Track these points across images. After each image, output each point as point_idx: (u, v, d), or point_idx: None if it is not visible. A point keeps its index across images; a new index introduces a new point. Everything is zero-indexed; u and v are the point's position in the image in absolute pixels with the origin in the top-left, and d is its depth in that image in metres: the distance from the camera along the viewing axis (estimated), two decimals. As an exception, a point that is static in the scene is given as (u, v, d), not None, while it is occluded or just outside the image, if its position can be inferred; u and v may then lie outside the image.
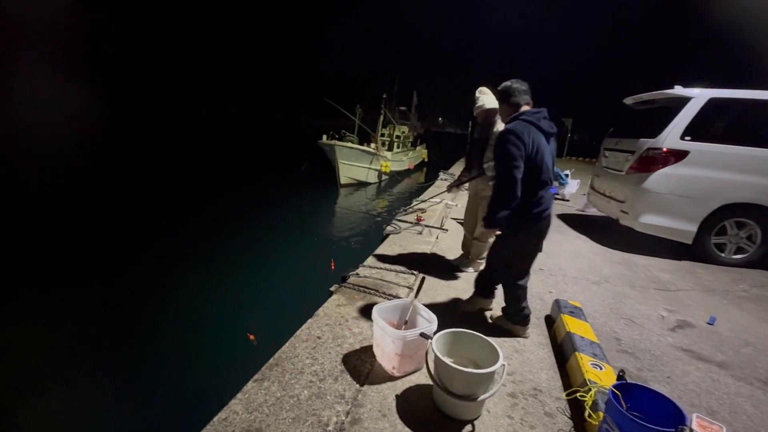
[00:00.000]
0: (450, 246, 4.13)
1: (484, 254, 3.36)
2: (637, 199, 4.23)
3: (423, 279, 2.18)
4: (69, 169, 11.30)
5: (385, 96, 13.17)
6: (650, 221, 4.15)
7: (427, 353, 1.82)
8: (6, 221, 6.32)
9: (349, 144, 11.01)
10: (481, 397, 1.57)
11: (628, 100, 5.13)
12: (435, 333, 1.81)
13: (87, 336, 3.48)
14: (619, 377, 1.46)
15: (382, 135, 14.20)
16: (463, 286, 3.08)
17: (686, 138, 3.99)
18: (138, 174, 11.84)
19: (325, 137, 10.79)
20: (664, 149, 4.06)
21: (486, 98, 3.01)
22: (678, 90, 4.21)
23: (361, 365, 1.97)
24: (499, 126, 2.93)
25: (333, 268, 5.27)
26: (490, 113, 2.97)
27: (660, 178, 4.06)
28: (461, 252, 3.58)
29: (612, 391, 1.37)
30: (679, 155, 4.01)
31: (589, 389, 1.66)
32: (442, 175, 10.51)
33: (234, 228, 7.30)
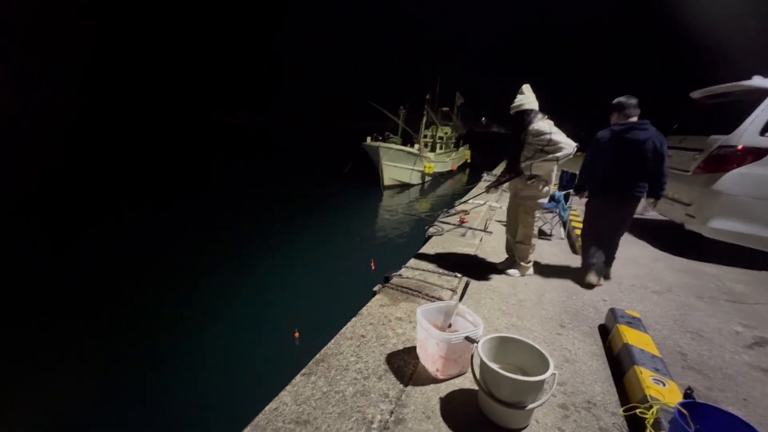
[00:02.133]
0: (494, 249, 4.02)
1: (530, 258, 3.24)
2: (707, 202, 3.86)
3: (467, 283, 2.14)
4: (127, 170, 12.40)
5: (428, 97, 13.10)
6: (721, 226, 3.77)
7: (472, 357, 1.79)
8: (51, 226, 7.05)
9: (394, 146, 11.06)
10: (530, 406, 1.52)
11: (696, 94, 4.70)
12: (480, 337, 1.77)
13: (148, 330, 3.77)
14: (686, 395, 1.35)
15: (425, 136, 14.13)
16: (508, 291, 2.99)
17: (767, 134, 3.58)
18: (186, 175, 12.69)
19: (369, 139, 10.93)
20: (740, 147, 3.67)
21: (523, 98, 2.91)
22: (757, 81, 3.80)
23: (404, 366, 1.98)
24: (536, 125, 2.82)
25: (373, 268, 5.34)
26: (525, 113, 2.87)
27: (734, 178, 3.67)
28: (506, 256, 3.47)
29: (678, 409, 1.27)
30: (757, 153, 3.61)
31: (651, 406, 1.54)
32: (485, 176, 10.26)
33: (279, 228, 7.61)
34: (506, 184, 3.24)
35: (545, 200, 2.99)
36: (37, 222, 6.62)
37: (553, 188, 3.09)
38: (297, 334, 3.68)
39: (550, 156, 2.75)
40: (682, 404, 1.29)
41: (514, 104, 2.88)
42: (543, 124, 2.77)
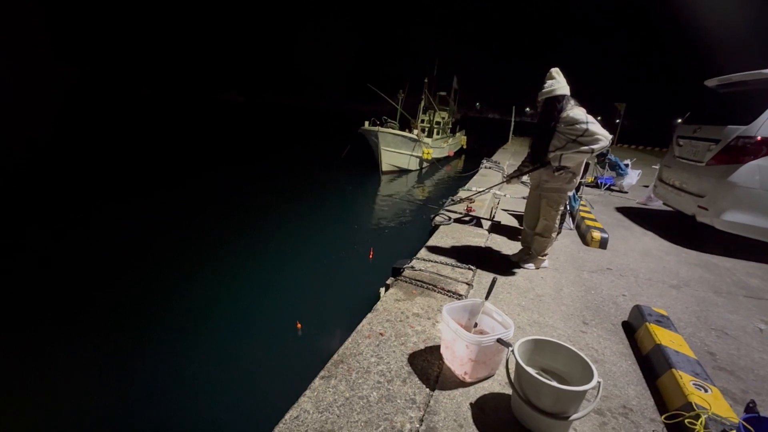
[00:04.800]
0: (504, 239, 3.92)
1: (547, 250, 3.14)
2: (721, 194, 3.79)
3: (494, 279, 2.02)
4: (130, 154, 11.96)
5: (426, 80, 12.78)
6: (736, 219, 3.71)
7: (507, 361, 1.67)
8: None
9: (393, 131, 10.80)
10: (573, 417, 1.42)
11: (711, 82, 4.57)
12: (512, 340, 1.66)
13: (141, 331, 3.54)
14: (749, 408, 1.26)
15: (422, 121, 13.85)
16: (525, 285, 2.89)
17: (788, 125, 3.49)
18: (177, 161, 12.29)
19: (367, 123, 10.64)
20: (759, 138, 3.58)
21: (554, 83, 2.71)
22: (779, 70, 3.68)
23: (428, 367, 1.87)
24: (570, 112, 2.66)
25: (372, 256, 5.22)
26: (557, 100, 2.70)
27: (752, 170, 3.59)
28: (520, 247, 3.37)
29: (743, 425, 1.17)
30: (777, 145, 3.52)
31: (698, 415, 1.46)
32: (485, 162, 10.11)
33: (274, 214, 7.41)
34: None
35: (571, 193, 2.85)
36: (32, 216, 6.30)
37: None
38: (299, 326, 3.56)
39: (585, 147, 2.57)
40: (746, 419, 1.19)
41: (543, 89, 2.69)
42: (578, 112, 2.59)
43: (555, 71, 2.72)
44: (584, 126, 2.54)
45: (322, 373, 1.79)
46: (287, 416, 1.53)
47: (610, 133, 2.63)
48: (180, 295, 4.16)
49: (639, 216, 5.37)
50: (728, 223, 3.74)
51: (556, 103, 2.64)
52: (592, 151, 2.58)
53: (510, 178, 3.19)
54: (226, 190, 8.93)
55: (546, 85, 2.69)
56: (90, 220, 6.27)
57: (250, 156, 14.40)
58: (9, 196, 7.14)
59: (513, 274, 3.08)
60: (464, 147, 18.69)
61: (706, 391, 1.61)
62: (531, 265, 3.17)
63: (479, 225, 4.30)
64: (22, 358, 3.05)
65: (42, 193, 7.58)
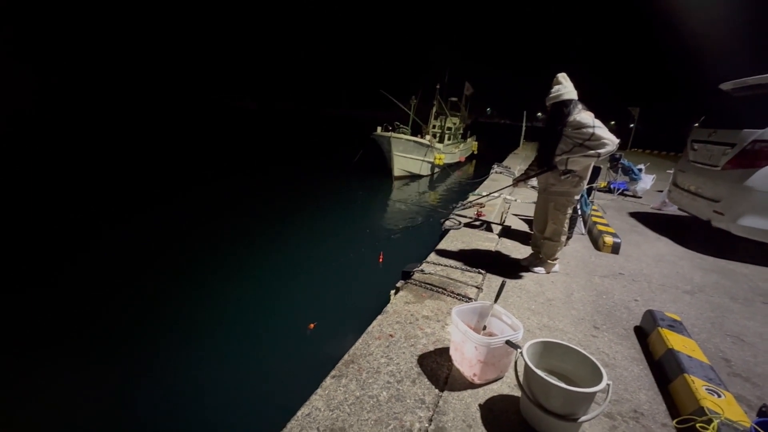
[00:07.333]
0: (514, 243, 3.91)
1: (557, 254, 3.13)
2: (737, 199, 3.73)
3: (503, 283, 2.03)
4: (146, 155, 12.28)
5: (438, 86, 12.85)
6: (753, 224, 3.63)
7: (516, 363, 1.69)
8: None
9: (405, 136, 10.88)
10: (582, 419, 1.42)
11: (727, 86, 4.51)
12: (521, 342, 1.68)
13: (157, 331, 3.64)
14: (762, 413, 1.25)
15: (434, 127, 13.91)
16: (535, 289, 2.88)
17: (806, 129, 3.42)
18: (193, 167, 12.54)
19: (379, 129, 10.74)
20: (776, 142, 3.52)
21: (561, 88, 2.73)
22: (796, 72, 3.62)
23: (438, 368, 1.89)
24: (578, 116, 2.67)
25: (381, 261, 5.27)
26: (564, 104, 2.71)
27: (769, 175, 3.53)
28: (530, 251, 3.36)
29: (755, 428, 1.17)
30: (795, 149, 3.45)
31: (710, 420, 1.45)
32: (496, 167, 10.07)
33: (287, 218, 7.52)
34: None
35: (578, 197, 2.86)
36: (41, 221, 6.51)
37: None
38: (312, 326, 3.61)
39: (591, 152, 2.59)
40: (759, 423, 1.19)
41: (551, 95, 2.71)
42: (585, 116, 2.61)
43: (562, 76, 2.74)
44: (591, 130, 2.55)
45: (333, 373, 1.83)
46: (299, 413, 1.57)
47: (624, 137, 2.64)
48: (196, 296, 4.26)
49: (653, 221, 5.29)
50: (745, 228, 3.67)
51: (563, 107, 2.66)
52: (599, 155, 2.58)
53: (517, 182, 3.20)
54: (240, 195, 9.11)
55: (553, 90, 2.71)
56: (107, 224, 6.46)
57: (265, 162, 14.64)
58: (21, 199, 7.41)
59: (523, 278, 3.08)
60: (475, 152, 18.68)
61: (719, 396, 1.59)
62: (541, 269, 3.16)
63: (489, 229, 4.30)
64: (31, 359, 3.16)
65: (55, 199, 7.84)
